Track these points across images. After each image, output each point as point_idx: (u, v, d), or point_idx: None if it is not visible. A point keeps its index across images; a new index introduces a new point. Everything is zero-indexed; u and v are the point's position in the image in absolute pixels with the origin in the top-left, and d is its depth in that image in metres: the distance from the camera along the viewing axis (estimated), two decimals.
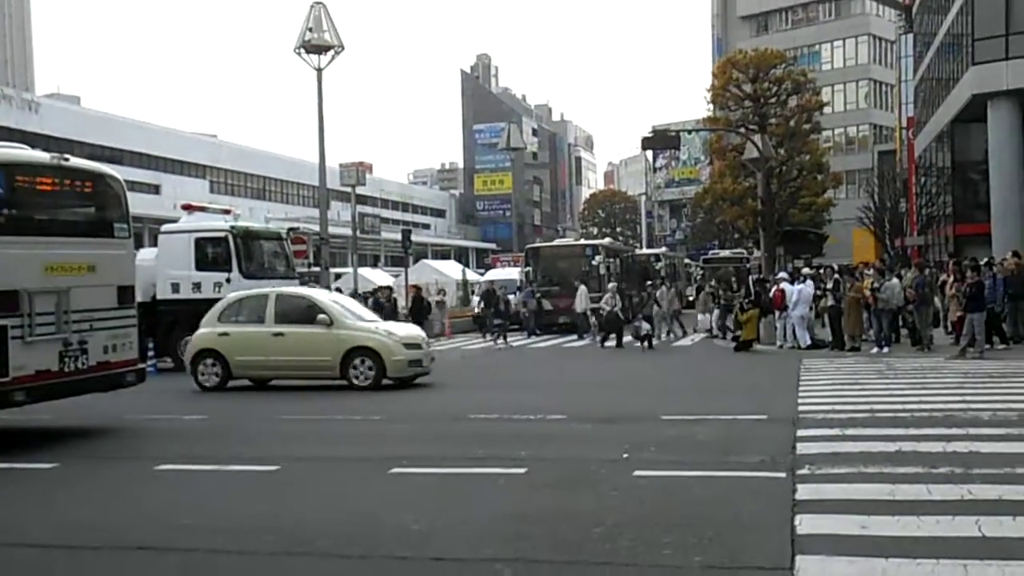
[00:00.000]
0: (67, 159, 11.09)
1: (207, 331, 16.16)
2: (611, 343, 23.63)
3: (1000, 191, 29.01)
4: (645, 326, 22.78)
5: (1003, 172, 28.97)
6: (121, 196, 11.83)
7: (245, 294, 16.92)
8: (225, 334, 15.93)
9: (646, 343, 22.58)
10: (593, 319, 25.95)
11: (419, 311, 26.92)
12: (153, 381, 18.50)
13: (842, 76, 70.65)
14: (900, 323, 19.90)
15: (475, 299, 36.20)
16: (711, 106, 51.31)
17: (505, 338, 26.21)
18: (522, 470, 8.03)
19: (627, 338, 23.47)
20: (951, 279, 19.26)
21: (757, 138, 32.27)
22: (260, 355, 15.67)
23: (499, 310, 27.41)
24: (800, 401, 11.83)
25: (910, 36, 47.91)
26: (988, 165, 29.82)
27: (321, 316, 15.51)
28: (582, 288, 27.17)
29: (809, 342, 20.43)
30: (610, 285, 25.40)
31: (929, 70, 40.71)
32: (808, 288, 21.03)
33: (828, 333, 20.70)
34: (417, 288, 31.96)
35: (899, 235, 40.82)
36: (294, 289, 18.14)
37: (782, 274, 24.17)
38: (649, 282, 26.80)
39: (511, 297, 29.55)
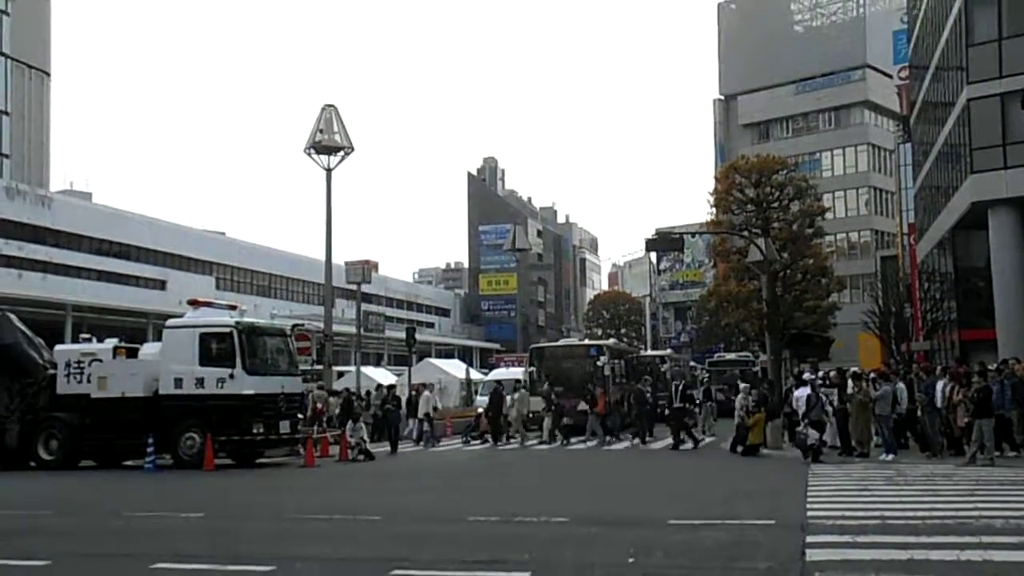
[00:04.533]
0: None
1: None
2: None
3: (1003, 297, 29.04)
4: (813, 434, 19.06)
5: (1005, 278, 29.05)
6: None
7: None
8: None
9: (810, 455, 18.64)
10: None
11: (347, 410, 24.51)
12: (151, 477, 18.33)
13: (843, 183, 71.70)
14: (918, 429, 19.64)
15: (478, 399, 35.95)
16: (714, 209, 51.84)
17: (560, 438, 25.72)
18: (525, 574, 7.83)
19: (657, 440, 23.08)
20: (954, 385, 18.92)
21: (760, 241, 32.52)
22: None
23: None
24: (809, 507, 11.61)
25: (908, 145, 48.73)
26: (991, 271, 29.94)
27: None
28: (425, 394, 27.13)
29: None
30: (743, 385, 24.11)
31: (928, 178, 41.25)
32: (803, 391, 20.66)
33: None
34: (420, 386, 31.80)
35: (905, 340, 40.69)
36: None
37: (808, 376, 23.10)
38: (816, 379, 21.52)
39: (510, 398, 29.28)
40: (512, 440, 26.35)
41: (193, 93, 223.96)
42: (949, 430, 18.70)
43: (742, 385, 24.57)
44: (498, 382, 30.29)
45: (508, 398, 27.03)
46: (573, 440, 25.56)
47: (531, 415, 27.38)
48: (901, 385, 19.90)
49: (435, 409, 28.37)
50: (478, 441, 27.08)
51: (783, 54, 74.32)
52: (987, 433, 16.67)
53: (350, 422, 22.47)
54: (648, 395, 26.37)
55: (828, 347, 45.49)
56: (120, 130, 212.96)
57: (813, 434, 18.96)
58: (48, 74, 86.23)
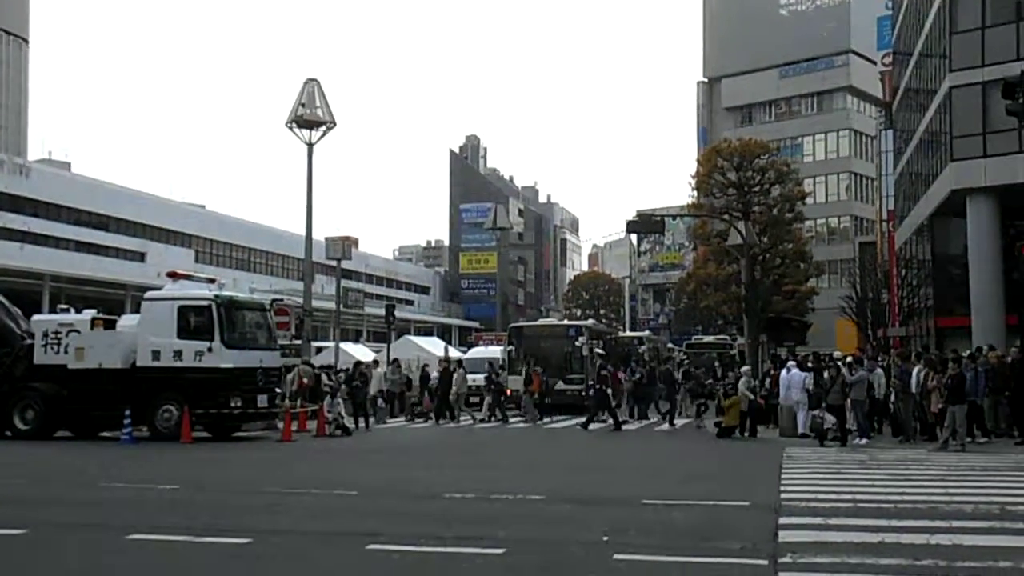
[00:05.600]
0: None
1: None
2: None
3: (979, 285, 29.33)
4: (830, 418, 18.64)
5: (982, 266, 29.33)
6: None
7: None
8: None
9: (831, 439, 18.47)
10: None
11: (315, 389, 24.22)
12: (127, 449, 18.29)
13: (824, 168, 71.99)
14: (891, 414, 19.84)
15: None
16: (695, 192, 52.03)
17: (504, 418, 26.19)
18: (500, 551, 7.88)
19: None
20: (928, 371, 19.10)
21: (741, 225, 32.70)
22: None
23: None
24: (782, 489, 11.73)
25: (890, 132, 48.97)
26: (967, 259, 30.21)
27: None
28: (376, 371, 26.89)
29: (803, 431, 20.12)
30: (743, 369, 23.80)
31: (909, 165, 41.50)
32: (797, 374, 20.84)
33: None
34: (373, 363, 31.52)
35: (881, 326, 41.06)
36: None
37: (791, 363, 23.20)
38: (836, 362, 20.89)
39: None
40: (461, 418, 26.62)
41: (174, 64, 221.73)
42: (922, 415, 18.93)
43: (743, 368, 24.44)
44: (447, 360, 30.43)
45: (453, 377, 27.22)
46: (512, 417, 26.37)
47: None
48: (879, 371, 20.08)
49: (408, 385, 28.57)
50: (421, 419, 27.28)
51: (768, 38, 74.27)
52: (960, 419, 16.90)
53: (328, 397, 22.45)
54: (678, 375, 26.56)
55: (805, 331, 45.93)
56: (100, 100, 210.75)
57: (830, 418, 18.78)
58: (26, 41, 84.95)
